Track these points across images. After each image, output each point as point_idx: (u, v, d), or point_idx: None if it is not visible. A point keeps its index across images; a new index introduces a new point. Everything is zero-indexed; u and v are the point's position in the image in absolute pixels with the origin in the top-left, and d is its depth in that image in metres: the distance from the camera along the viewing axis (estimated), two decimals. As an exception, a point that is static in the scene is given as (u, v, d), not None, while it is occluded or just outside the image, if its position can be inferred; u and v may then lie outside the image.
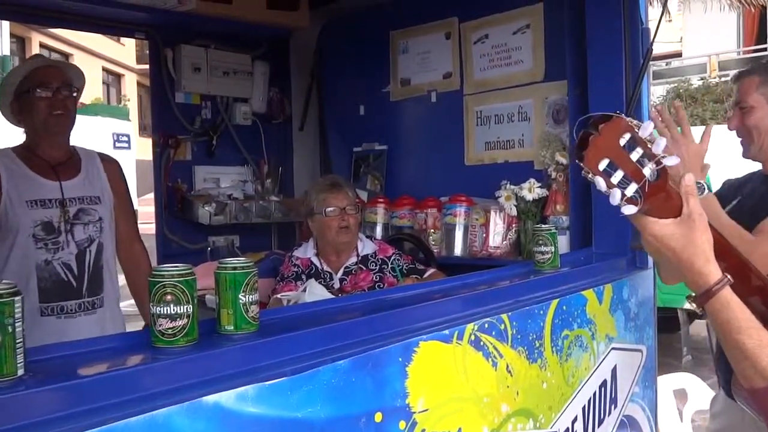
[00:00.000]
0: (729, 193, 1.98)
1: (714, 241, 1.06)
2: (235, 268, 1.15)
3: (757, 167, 1.97)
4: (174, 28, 3.19)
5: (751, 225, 1.76)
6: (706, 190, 1.70)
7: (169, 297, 1.06)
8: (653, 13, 3.70)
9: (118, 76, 20.92)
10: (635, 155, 1.01)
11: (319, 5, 3.48)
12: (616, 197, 1.01)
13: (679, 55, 14.69)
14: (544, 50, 2.80)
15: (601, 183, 1.01)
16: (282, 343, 1.18)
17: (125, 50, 20.04)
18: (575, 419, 1.87)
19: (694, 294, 1.06)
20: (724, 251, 1.09)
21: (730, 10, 11.93)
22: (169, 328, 1.06)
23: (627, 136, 1.00)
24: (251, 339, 1.15)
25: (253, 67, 3.53)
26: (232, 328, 1.15)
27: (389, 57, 3.37)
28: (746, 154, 1.90)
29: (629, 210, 1.03)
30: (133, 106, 19.18)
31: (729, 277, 1.04)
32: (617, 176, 1.01)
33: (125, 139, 12.64)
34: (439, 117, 3.21)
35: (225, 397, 1.02)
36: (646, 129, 1.01)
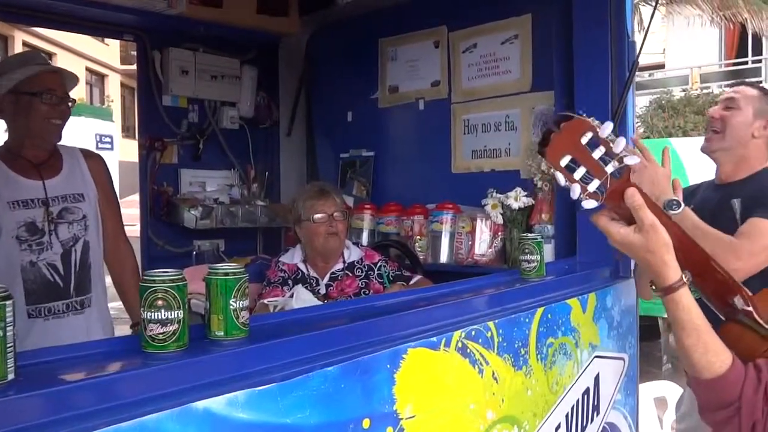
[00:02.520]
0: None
1: (678, 240, 1.12)
2: (226, 274, 1.15)
3: (708, 177, 2.08)
4: (163, 30, 3.18)
5: None
6: (683, 206, 1.75)
7: (160, 302, 1.06)
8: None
9: (102, 77, 20.78)
10: (597, 153, 1.06)
11: (309, 11, 3.49)
12: (575, 192, 1.06)
13: (661, 66, 14.89)
14: (532, 60, 2.83)
15: (561, 178, 1.07)
16: (272, 349, 1.18)
17: (109, 50, 19.90)
18: (558, 426, 1.89)
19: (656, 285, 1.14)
20: (688, 248, 1.14)
21: (712, 25, 12.12)
22: (160, 334, 1.06)
23: (589, 135, 1.06)
24: (241, 345, 1.15)
25: (242, 71, 3.52)
26: (223, 333, 1.15)
27: (378, 64, 3.39)
28: (710, 147, 2.00)
29: (590, 204, 1.08)
30: (116, 107, 19.04)
31: (685, 279, 1.11)
32: (579, 172, 1.06)
33: (108, 140, 12.58)
34: (426, 125, 3.23)
35: (215, 403, 1.02)
36: (606, 129, 1.06)
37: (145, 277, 1.07)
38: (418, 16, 3.21)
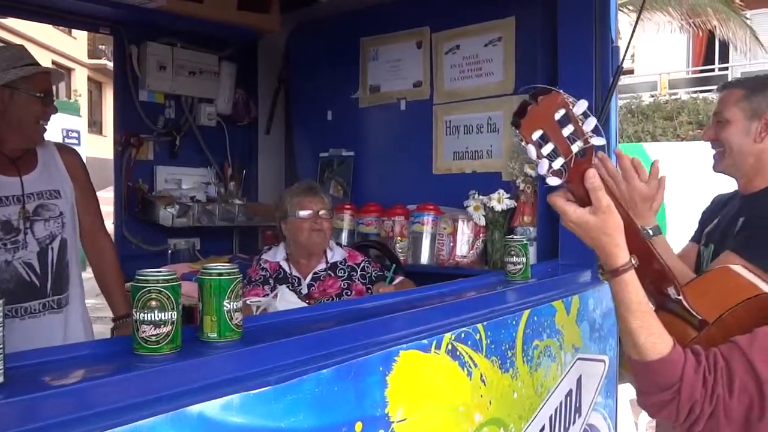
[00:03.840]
0: (714, 210, 1.92)
1: (625, 224, 1.13)
2: (220, 274, 1.12)
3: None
4: (141, 24, 3.13)
5: (718, 246, 1.75)
6: (651, 234, 1.59)
7: (153, 303, 1.03)
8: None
9: (69, 71, 20.32)
10: (567, 131, 1.06)
11: (290, 9, 3.45)
12: (543, 167, 1.07)
13: (631, 72, 15.11)
14: (515, 63, 2.84)
15: (532, 151, 1.06)
16: (266, 352, 1.16)
17: (77, 44, 19.48)
18: (543, 429, 1.90)
19: (603, 268, 1.16)
20: (631, 234, 1.15)
21: (681, 32, 12.38)
22: (153, 335, 1.03)
23: (562, 111, 1.06)
24: (235, 347, 1.13)
25: (220, 67, 3.48)
26: (216, 335, 1.12)
27: (359, 63, 3.37)
28: (717, 168, 1.82)
29: (554, 181, 1.08)
30: (83, 101, 18.64)
31: (634, 262, 1.12)
32: (547, 148, 1.06)
33: (75, 135, 12.31)
34: (408, 125, 3.22)
35: (210, 407, 1.00)
36: (581, 106, 1.06)
37: (138, 277, 1.04)
38: (400, 16, 3.20)
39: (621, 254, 1.12)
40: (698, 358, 1.10)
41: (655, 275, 1.20)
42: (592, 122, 1.06)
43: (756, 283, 1.29)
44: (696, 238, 1.90)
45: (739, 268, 1.35)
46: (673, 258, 1.63)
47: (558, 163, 1.06)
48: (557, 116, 1.05)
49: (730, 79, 1.89)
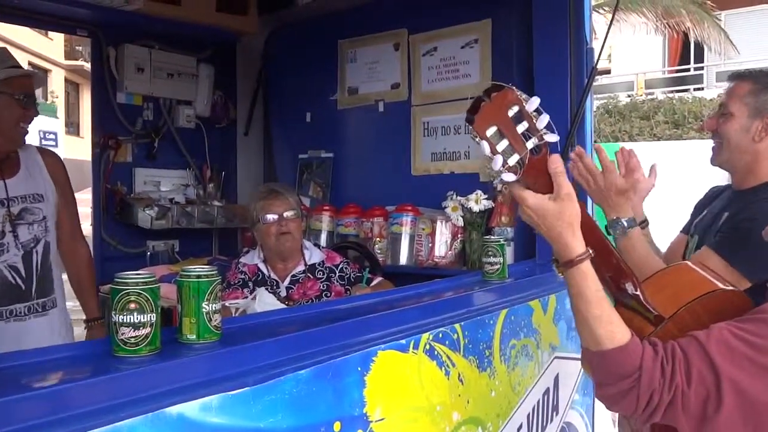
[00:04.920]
0: (706, 202, 1.91)
1: (581, 218, 1.14)
2: (199, 276, 1.13)
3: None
4: (118, 26, 3.12)
5: (701, 238, 1.76)
6: (626, 229, 1.62)
7: (132, 305, 1.03)
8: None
9: (45, 72, 20.07)
10: (521, 128, 1.07)
11: (268, 11, 3.46)
12: (498, 163, 1.07)
13: (608, 72, 15.28)
14: (492, 64, 2.86)
15: (486, 147, 1.07)
16: (244, 353, 1.17)
17: (53, 45, 19.26)
18: (520, 427, 1.92)
19: (558, 260, 1.15)
20: (588, 229, 1.16)
21: (656, 33, 12.56)
22: (132, 337, 1.04)
23: (515, 108, 1.07)
24: (214, 348, 1.14)
25: (198, 69, 3.47)
26: (195, 337, 1.13)
27: (337, 65, 3.38)
28: (713, 161, 1.78)
29: (509, 177, 1.09)
30: (59, 103, 18.43)
31: (591, 251, 1.13)
32: (502, 145, 1.07)
33: (52, 137, 12.23)
34: (386, 127, 3.23)
35: (189, 408, 1.01)
36: (533, 103, 1.07)
37: (117, 280, 1.04)
38: (378, 18, 3.22)
39: (578, 244, 1.11)
40: (655, 348, 1.10)
41: (613, 270, 1.21)
42: (544, 119, 1.07)
43: (712, 280, 1.31)
44: (685, 229, 1.90)
45: (696, 265, 1.37)
46: (645, 251, 1.63)
47: (513, 159, 1.07)
48: (510, 113, 1.06)
49: (742, 70, 1.81)
